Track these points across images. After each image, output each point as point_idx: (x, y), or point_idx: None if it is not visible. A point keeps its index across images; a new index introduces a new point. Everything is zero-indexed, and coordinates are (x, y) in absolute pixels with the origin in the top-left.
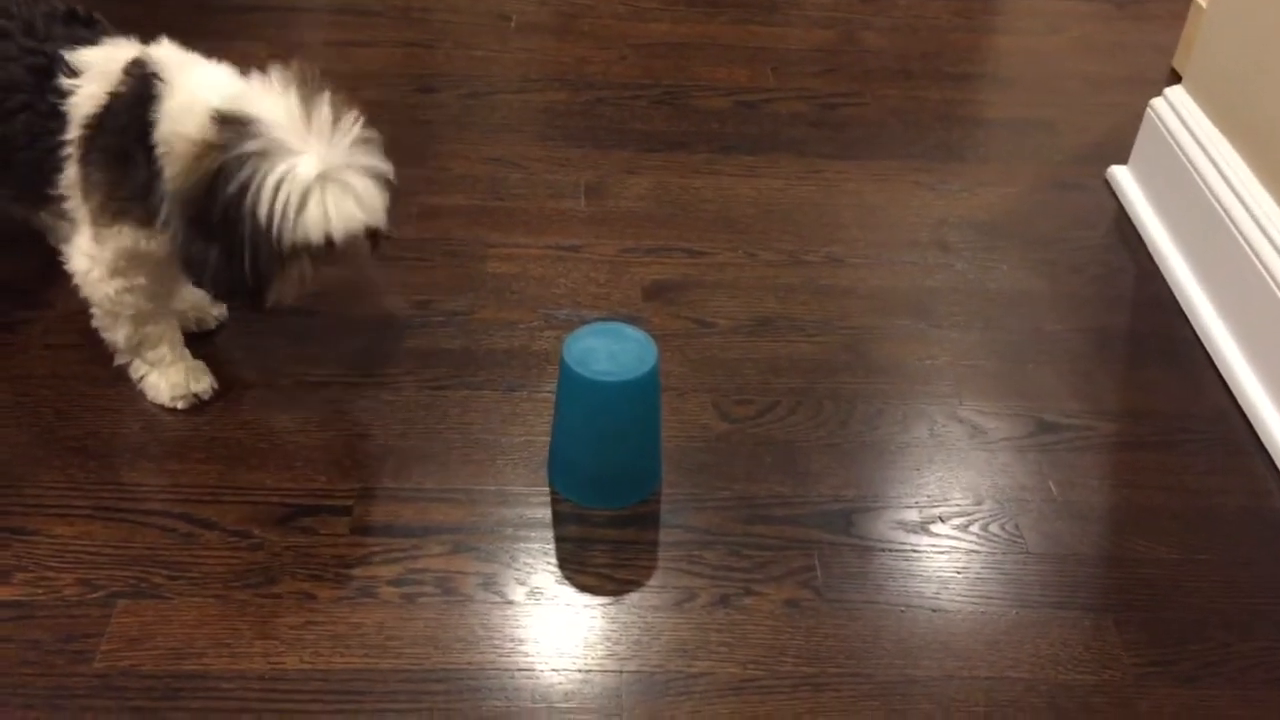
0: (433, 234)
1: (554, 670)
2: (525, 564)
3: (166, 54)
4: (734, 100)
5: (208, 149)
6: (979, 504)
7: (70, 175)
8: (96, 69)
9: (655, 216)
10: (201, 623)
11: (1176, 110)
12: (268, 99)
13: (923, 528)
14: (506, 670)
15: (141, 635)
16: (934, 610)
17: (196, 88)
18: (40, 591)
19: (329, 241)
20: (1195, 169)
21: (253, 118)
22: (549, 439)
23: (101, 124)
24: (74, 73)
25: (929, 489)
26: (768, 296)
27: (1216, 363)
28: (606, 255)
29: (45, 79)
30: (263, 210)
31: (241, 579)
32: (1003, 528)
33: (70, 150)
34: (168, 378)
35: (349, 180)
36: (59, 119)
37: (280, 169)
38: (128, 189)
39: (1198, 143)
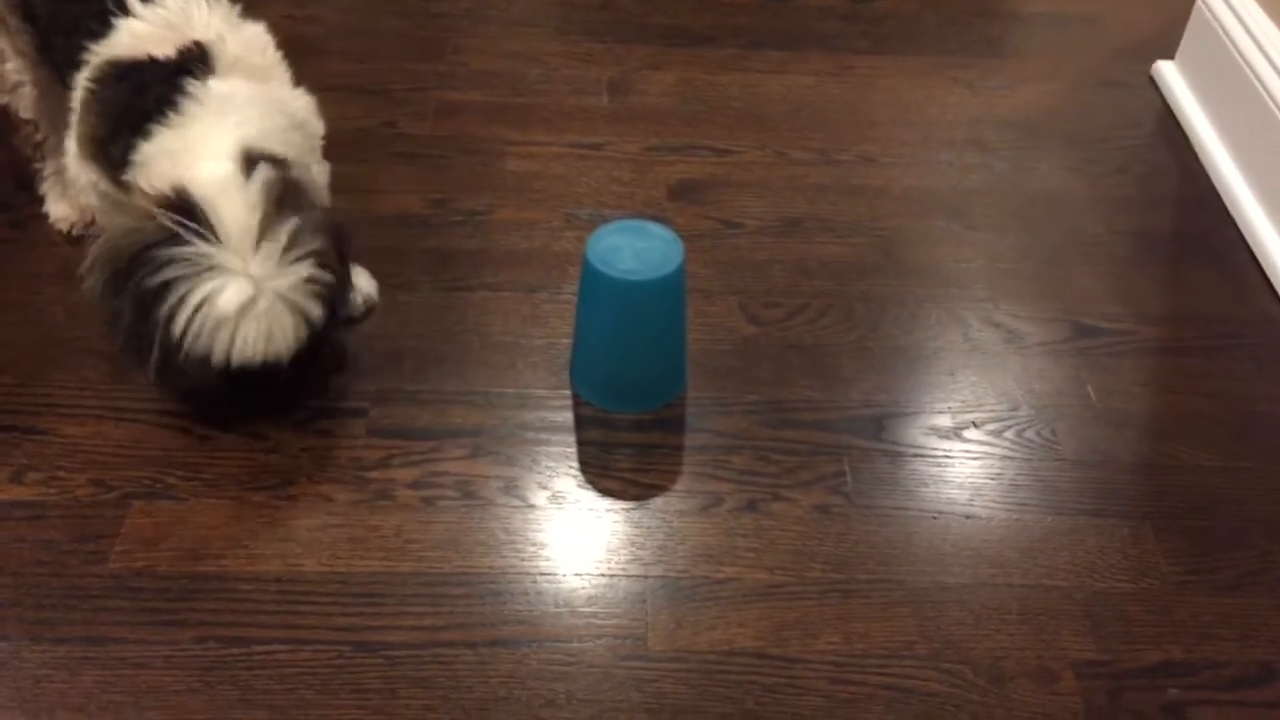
0: (449, 131)
1: (577, 575)
2: (547, 468)
3: (221, 62)
4: None
5: (147, 217)
6: (1014, 410)
7: (79, 79)
8: (163, 13)
9: (680, 114)
10: (217, 524)
11: (1228, 1)
12: (234, 201)
13: (956, 433)
14: (528, 574)
15: (156, 536)
16: (967, 517)
17: (192, 141)
18: (53, 492)
19: (226, 363)
20: (1247, 63)
21: (206, 218)
22: (570, 341)
23: (126, 76)
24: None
25: (963, 394)
26: (797, 197)
27: (1263, 266)
28: (630, 154)
29: None
30: (178, 322)
31: (257, 481)
32: (1039, 434)
33: (90, 60)
34: None
35: (271, 314)
36: (105, 26)
37: (206, 289)
38: (106, 148)
39: (1250, 36)
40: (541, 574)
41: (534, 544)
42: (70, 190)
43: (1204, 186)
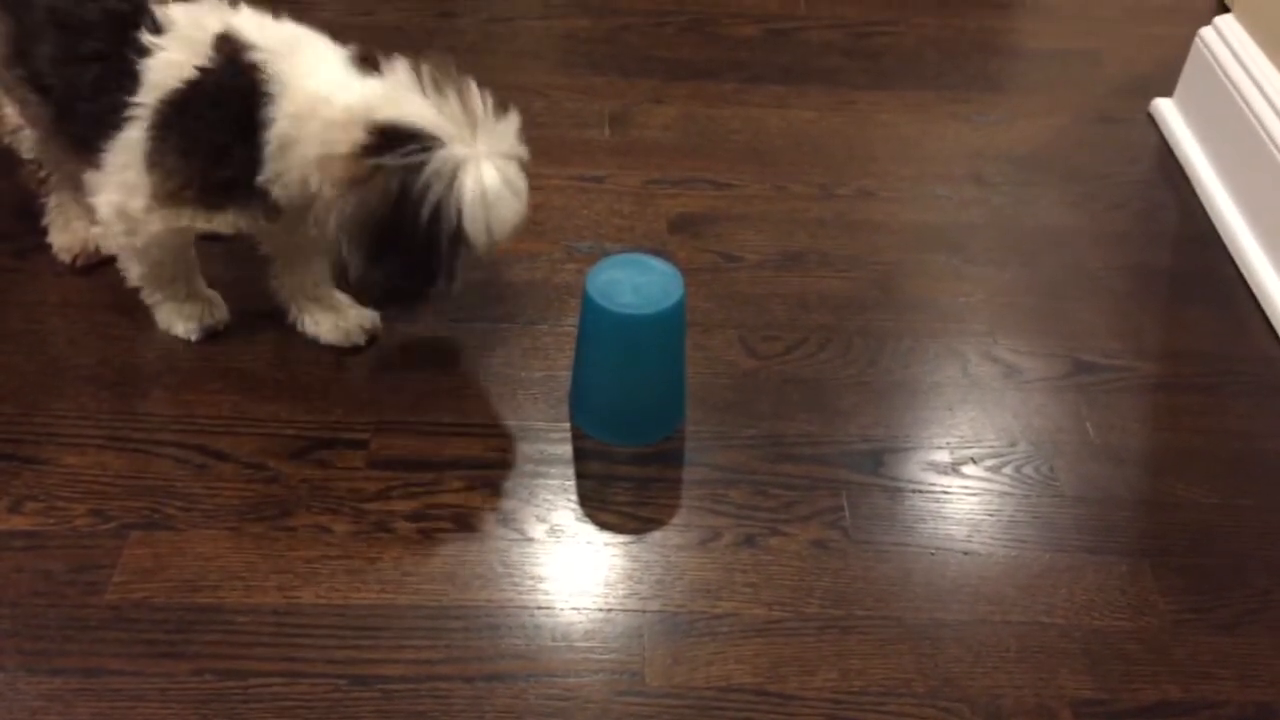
0: None
1: (574, 609)
2: (545, 501)
3: (257, 31)
4: (764, 28)
5: (372, 169)
6: (1013, 445)
7: (130, 139)
8: (181, 32)
9: (681, 147)
10: (215, 555)
11: (1225, 40)
12: (415, 100)
13: (954, 469)
14: (526, 608)
15: (154, 567)
16: (965, 553)
17: (319, 87)
18: (52, 521)
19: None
20: (1244, 101)
21: (418, 128)
22: (570, 374)
23: (186, 103)
24: (158, 29)
25: (961, 429)
26: (797, 230)
27: (1261, 303)
28: (631, 186)
29: (125, 28)
30: (471, 225)
31: (256, 511)
32: (1037, 470)
33: (138, 115)
34: (181, 309)
35: (514, 176)
36: (132, 78)
37: (469, 183)
38: (211, 179)
39: (1247, 74)
40: (539, 608)
41: (532, 577)
42: (74, 222)
43: (1202, 223)
